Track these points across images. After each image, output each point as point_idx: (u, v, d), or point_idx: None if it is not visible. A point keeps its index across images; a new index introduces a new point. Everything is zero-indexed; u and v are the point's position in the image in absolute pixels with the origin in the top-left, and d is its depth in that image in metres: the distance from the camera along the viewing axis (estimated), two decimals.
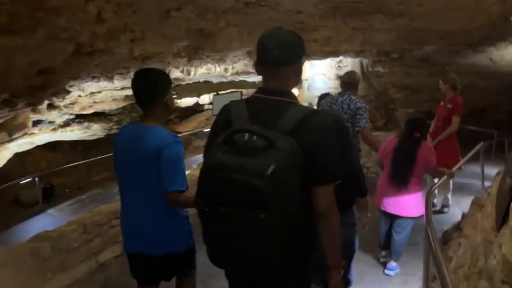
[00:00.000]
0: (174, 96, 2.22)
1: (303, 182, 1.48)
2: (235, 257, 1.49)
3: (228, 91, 13.18)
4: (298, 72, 1.69)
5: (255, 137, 1.44)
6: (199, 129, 13.48)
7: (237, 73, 6.78)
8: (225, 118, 1.65)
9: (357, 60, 8.05)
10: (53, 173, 10.18)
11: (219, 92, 13.10)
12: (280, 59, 1.59)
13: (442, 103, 5.56)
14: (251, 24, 5.01)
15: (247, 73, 7.07)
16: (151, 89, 2.06)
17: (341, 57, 7.43)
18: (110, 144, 9.15)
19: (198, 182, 1.49)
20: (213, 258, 1.57)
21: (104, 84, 5.24)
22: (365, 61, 8.13)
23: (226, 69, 6.17)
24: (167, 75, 2.19)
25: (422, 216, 3.89)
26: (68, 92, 4.15)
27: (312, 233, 1.61)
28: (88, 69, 3.52)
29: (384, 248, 4.09)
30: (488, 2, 5.98)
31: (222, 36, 4.78)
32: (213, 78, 7.43)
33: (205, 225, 1.54)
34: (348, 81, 4.24)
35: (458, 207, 5.52)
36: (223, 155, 1.44)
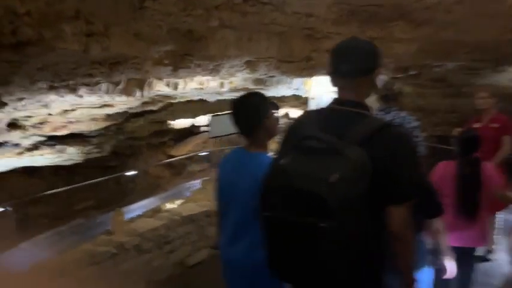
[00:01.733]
0: (275, 116, 2.12)
1: (372, 197, 1.40)
2: (300, 267, 1.44)
3: (227, 112, 12.23)
4: (374, 84, 1.64)
5: (323, 145, 1.42)
6: (194, 153, 12.51)
7: (236, 89, 5.85)
8: (296, 126, 1.68)
9: None
10: (29, 202, 9.13)
11: (217, 113, 12.24)
12: (359, 69, 1.56)
13: (478, 124, 4.59)
14: (251, 27, 4.12)
15: (247, 90, 6.14)
16: (247, 117, 2.05)
17: None
18: (94, 169, 7.99)
19: (261, 188, 1.47)
20: (274, 270, 1.53)
21: (74, 99, 4.31)
22: (380, 78, 7.22)
23: (221, 84, 5.24)
24: (264, 99, 2.11)
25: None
26: (3, 104, 3.20)
27: (384, 251, 1.53)
28: (24, 73, 2.58)
29: None
30: None
31: (215, 40, 3.88)
32: (207, 95, 6.49)
33: (266, 233, 1.48)
34: (386, 93, 3.38)
35: (504, 252, 4.49)
36: (287, 161, 1.44)
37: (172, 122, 12.04)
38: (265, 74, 5.07)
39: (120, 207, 9.73)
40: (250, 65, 4.60)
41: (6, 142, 5.49)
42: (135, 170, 11.09)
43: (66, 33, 2.22)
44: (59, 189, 9.45)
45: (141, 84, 4.21)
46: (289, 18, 4.33)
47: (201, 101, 7.66)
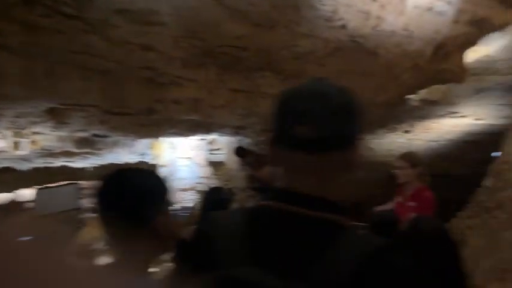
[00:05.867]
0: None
1: None
2: None
3: (61, 183, 9.94)
4: (354, 162, 0.82)
5: None
6: None
7: (47, 153, 4.09)
8: (206, 249, 0.83)
9: (235, 140, 6.03)
10: None
11: (47, 185, 9.82)
12: (329, 138, 0.77)
13: (398, 199, 3.44)
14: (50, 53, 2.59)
15: (68, 153, 4.39)
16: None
17: (214, 135, 5.33)
18: None
19: None
20: None
21: None
22: (245, 142, 6.17)
23: (15, 144, 3.44)
24: (160, 181, 1.26)
25: None
26: None
27: None
28: None
29: None
30: (399, 67, 4.69)
31: None
32: (7, 161, 4.54)
33: None
34: None
35: None
36: None
37: None
38: (84, 131, 3.46)
39: None
40: (54, 115, 2.98)
41: None
42: None
43: None
44: None
45: None
46: (118, 49, 2.93)
47: (9, 169, 5.58)
